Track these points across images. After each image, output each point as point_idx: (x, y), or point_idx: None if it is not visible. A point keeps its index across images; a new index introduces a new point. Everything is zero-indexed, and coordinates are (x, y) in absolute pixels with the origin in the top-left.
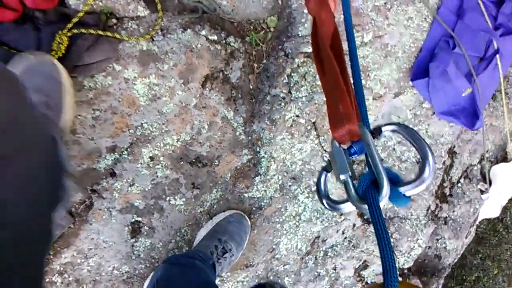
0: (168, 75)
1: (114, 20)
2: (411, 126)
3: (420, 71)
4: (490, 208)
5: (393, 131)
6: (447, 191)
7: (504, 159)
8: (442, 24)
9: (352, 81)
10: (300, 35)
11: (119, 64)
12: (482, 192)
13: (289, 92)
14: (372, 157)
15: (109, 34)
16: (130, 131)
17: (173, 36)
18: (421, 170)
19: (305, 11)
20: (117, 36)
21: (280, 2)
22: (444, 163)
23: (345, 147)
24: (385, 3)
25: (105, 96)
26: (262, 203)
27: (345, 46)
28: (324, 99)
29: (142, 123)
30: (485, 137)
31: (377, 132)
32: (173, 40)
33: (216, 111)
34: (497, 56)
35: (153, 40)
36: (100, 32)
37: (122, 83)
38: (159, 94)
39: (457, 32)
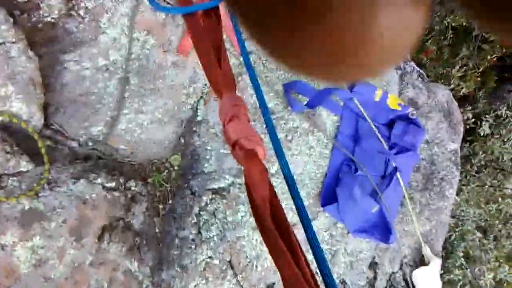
0: (56, 234)
1: None
2: (329, 247)
3: (328, 196)
4: None
5: None
6: None
7: (422, 262)
8: (342, 149)
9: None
10: (206, 172)
11: None
12: None
13: (199, 232)
14: None
15: None
16: None
17: (63, 188)
18: None
19: (209, 147)
20: None
21: (182, 140)
22: (367, 278)
23: None
24: (286, 136)
25: None
26: None
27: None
28: (238, 234)
29: None
30: (401, 243)
31: None
32: (63, 193)
33: (117, 265)
34: (398, 173)
35: (38, 196)
36: None
37: None
38: (45, 257)
39: (356, 155)
